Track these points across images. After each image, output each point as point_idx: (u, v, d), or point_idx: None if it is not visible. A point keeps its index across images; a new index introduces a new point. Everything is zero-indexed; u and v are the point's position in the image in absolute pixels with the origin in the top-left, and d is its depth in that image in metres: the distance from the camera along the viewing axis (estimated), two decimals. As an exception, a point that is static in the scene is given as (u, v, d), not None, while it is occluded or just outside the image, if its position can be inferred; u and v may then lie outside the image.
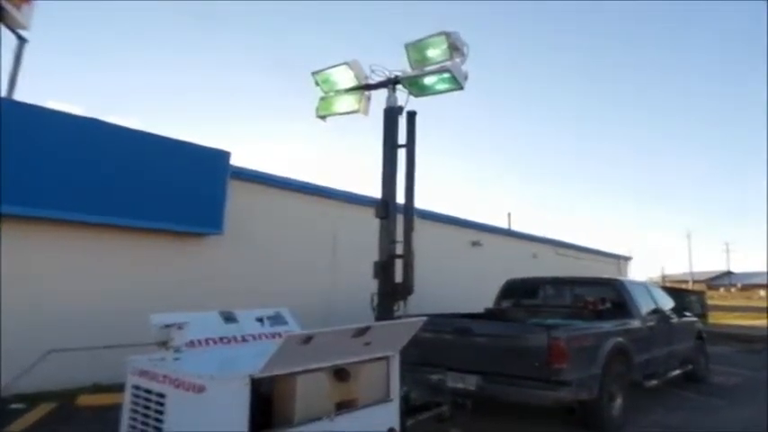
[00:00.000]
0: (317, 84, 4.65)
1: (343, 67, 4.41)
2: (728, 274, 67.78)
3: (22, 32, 7.08)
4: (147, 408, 2.68)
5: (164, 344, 2.73)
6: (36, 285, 5.98)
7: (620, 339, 5.30)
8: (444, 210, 12.56)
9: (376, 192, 4.30)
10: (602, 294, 6.54)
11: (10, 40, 6.99)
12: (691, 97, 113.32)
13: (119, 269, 6.66)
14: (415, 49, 4.08)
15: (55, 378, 5.80)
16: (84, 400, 5.48)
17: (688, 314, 7.96)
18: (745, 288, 59.38)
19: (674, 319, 7.17)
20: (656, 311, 6.70)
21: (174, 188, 6.72)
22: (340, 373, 2.94)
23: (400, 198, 4.26)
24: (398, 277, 4.09)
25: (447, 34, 3.90)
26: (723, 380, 8.23)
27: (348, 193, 9.89)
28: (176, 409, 2.52)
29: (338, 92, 4.59)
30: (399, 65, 4.20)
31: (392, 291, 4.01)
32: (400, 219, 4.19)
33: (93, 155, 6.06)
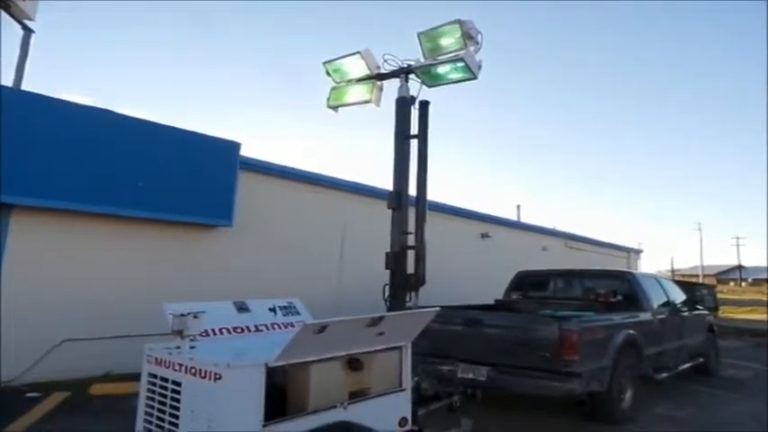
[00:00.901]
0: (328, 73, 4.62)
1: (355, 56, 4.37)
2: (739, 267, 67.09)
3: (28, 23, 7.09)
4: (163, 395, 2.70)
5: (179, 333, 2.74)
6: (50, 275, 6.05)
7: (630, 332, 5.28)
8: (454, 202, 12.53)
9: (387, 183, 4.28)
10: (613, 287, 6.50)
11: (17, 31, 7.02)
12: (702, 90, 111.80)
13: (130, 260, 6.72)
14: (428, 37, 4.03)
15: (68, 367, 5.88)
16: (97, 389, 5.55)
17: (699, 308, 7.90)
18: (756, 282, 58.79)
19: (686, 313, 7.12)
20: (668, 304, 6.66)
21: (184, 179, 6.74)
22: (353, 363, 2.95)
23: (412, 189, 4.24)
24: (410, 268, 4.09)
25: (461, 22, 3.85)
26: (734, 373, 8.19)
27: (357, 184, 9.88)
28: (192, 396, 2.55)
29: (350, 82, 4.55)
30: (412, 55, 4.16)
31: (404, 282, 4.00)
32: (412, 210, 4.18)
33: (105, 146, 6.09)
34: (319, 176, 9.26)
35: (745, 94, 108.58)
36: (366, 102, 4.46)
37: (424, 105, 4.18)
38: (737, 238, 66.80)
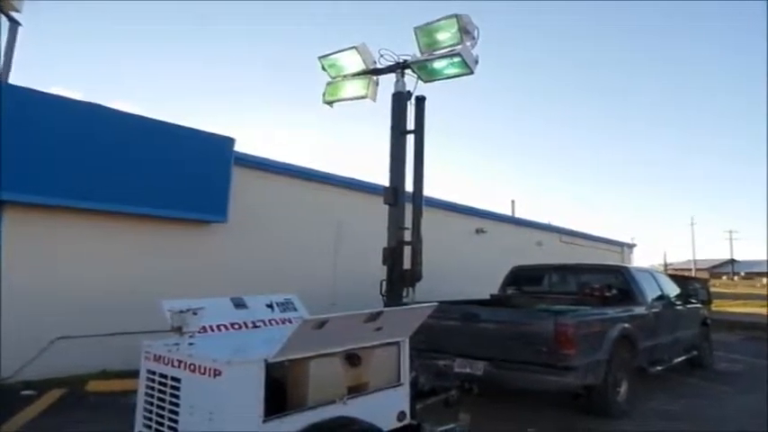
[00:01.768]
0: (323, 68, 4.59)
1: (351, 51, 4.35)
2: (732, 261, 67.72)
3: (15, 15, 6.99)
4: (162, 392, 2.70)
5: (178, 329, 2.73)
6: (43, 272, 6.02)
7: (625, 326, 5.33)
8: (448, 197, 12.56)
9: (384, 179, 4.28)
10: (608, 281, 6.56)
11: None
12: (696, 83, 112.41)
13: (124, 256, 6.69)
14: (425, 32, 4.02)
15: (63, 365, 5.86)
16: (93, 386, 5.55)
17: (693, 301, 7.98)
18: (749, 276, 59.38)
19: (680, 307, 7.19)
20: (662, 298, 6.71)
21: (177, 175, 6.72)
22: (352, 358, 2.96)
23: (408, 185, 4.24)
24: (407, 264, 4.09)
25: (458, 17, 3.84)
26: (727, 366, 8.29)
27: (352, 179, 9.88)
28: (192, 392, 2.55)
29: (345, 77, 4.54)
30: (408, 50, 4.16)
31: (401, 277, 4.01)
32: (408, 206, 4.18)
33: (98, 141, 6.05)
34: (314, 172, 9.25)
35: (740, 88, 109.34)
36: (362, 97, 4.45)
37: (421, 101, 4.18)
38: (730, 231, 67.55)
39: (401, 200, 4.12)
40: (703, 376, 7.41)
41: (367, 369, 3.06)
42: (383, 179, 4.29)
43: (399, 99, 4.20)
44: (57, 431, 4.14)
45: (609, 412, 4.99)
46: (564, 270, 7.38)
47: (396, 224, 4.10)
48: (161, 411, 2.68)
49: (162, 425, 2.65)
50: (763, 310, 18.76)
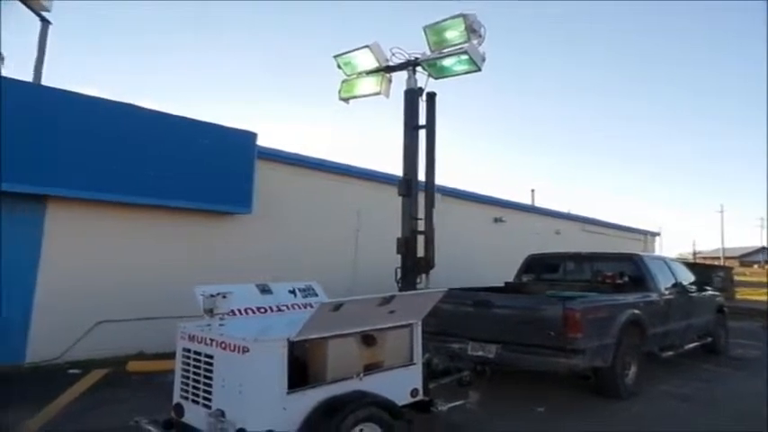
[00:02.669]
0: (339, 66, 4.83)
1: (365, 50, 4.57)
2: (763, 249, 65.70)
3: (46, 15, 7.24)
4: (197, 367, 3.02)
5: (210, 311, 3.04)
6: (85, 262, 6.45)
7: (634, 311, 5.46)
8: (467, 187, 12.69)
9: (398, 171, 4.51)
10: (621, 269, 6.67)
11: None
12: (724, 72, 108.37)
13: (158, 246, 7.09)
14: (434, 31, 4.21)
15: (103, 347, 6.33)
16: (133, 366, 5.97)
17: (708, 288, 8.00)
18: (780, 264, 57.51)
19: (694, 294, 7.24)
20: (675, 285, 6.79)
21: (205, 169, 7.04)
22: (367, 338, 3.23)
23: (421, 177, 4.45)
24: (420, 252, 4.33)
25: (465, 16, 4.03)
26: (742, 352, 8.31)
27: (370, 170, 10.11)
28: (224, 367, 2.85)
29: (360, 74, 4.76)
30: (419, 48, 4.36)
31: (415, 265, 4.25)
32: (421, 196, 4.40)
33: (132, 139, 6.41)
34: (333, 164, 9.51)
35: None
36: (376, 93, 4.68)
37: (431, 97, 4.38)
38: (762, 219, 65.40)
39: (414, 191, 4.35)
40: (717, 362, 7.47)
41: (381, 349, 3.33)
42: (398, 171, 4.52)
43: (411, 95, 4.42)
44: (103, 405, 4.55)
45: (617, 393, 5.16)
46: (578, 258, 7.50)
47: (409, 214, 4.34)
48: (196, 384, 3.01)
49: (197, 396, 2.97)
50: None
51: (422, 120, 4.43)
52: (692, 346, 6.99)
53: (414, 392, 3.50)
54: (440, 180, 4.59)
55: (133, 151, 6.39)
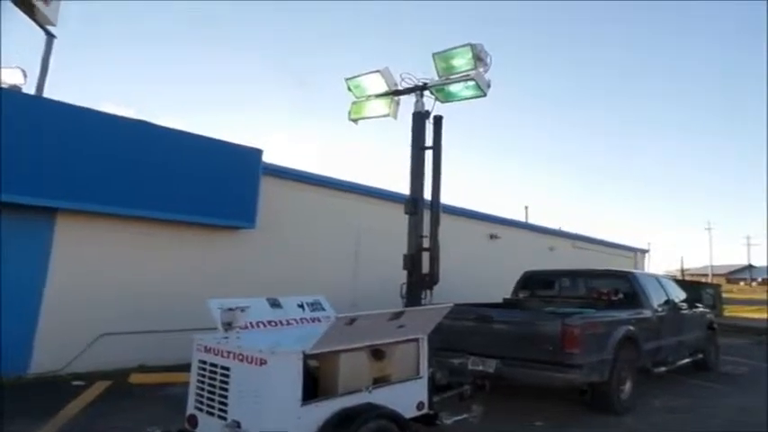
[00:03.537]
0: (349, 89, 5.00)
1: (375, 74, 4.75)
2: (750, 267, 66.63)
3: (50, 29, 7.30)
4: (212, 378, 3.11)
5: (228, 324, 3.15)
6: (89, 275, 6.51)
7: (630, 328, 5.62)
8: (462, 203, 12.87)
9: (404, 189, 4.67)
10: (615, 286, 6.84)
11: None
12: (711, 89, 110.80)
13: (162, 260, 7.17)
14: (442, 58, 4.41)
15: (106, 359, 6.36)
16: (135, 378, 6.00)
17: (699, 306, 8.20)
18: (766, 281, 58.33)
19: (685, 311, 7.43)
20: (667, 302, 6.97)
21: (211, 184, 7.15)
22: (377, 352, 3.35)
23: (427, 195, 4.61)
24: (425, 269, 4.47)
25: (472, 45, 4.23)
26: (731, 369, 8.49)
27: (371, 188, 10.27)
28: (240, 379, 2.96)
29: (369, 97, 4.94)
30: (427, 73, 4.55)
31: (420, 281, 4.39)
32: (426, 214, 4.55)
33: (140, 154, 6.51)
34: (336, 181, 9.65)
35: (756, 91, 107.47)
36: (384, 115, 4.85)
37: (438, 120, 4.56)
38: (748, 237, 66.46)
39: (420, 210, 4.50)
40: (708, 378, 7.64)
41: (390, 362, 3.45)
42: (403, 189, 4.66)
43: (419, 118, 4.59)
44: (108, 417, 4.60)
45: (613, 408, 5.29)
46: (573, 275, 7.68)
47: (415, 232, 4.49)
48: (212, 395, 3.10)
49: (213, 407, 3.07)
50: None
51: (428, 141, 4.60)
52: (684, 362, 7.15)
53: (420, 406, 3.62)
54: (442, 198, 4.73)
55: (141, 166, 6.49)
